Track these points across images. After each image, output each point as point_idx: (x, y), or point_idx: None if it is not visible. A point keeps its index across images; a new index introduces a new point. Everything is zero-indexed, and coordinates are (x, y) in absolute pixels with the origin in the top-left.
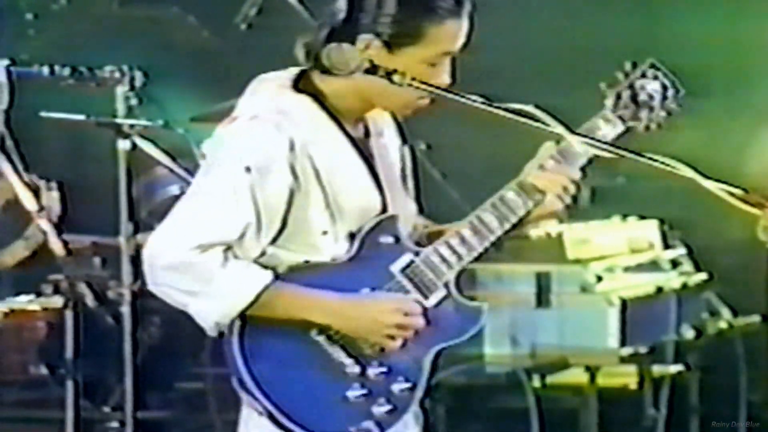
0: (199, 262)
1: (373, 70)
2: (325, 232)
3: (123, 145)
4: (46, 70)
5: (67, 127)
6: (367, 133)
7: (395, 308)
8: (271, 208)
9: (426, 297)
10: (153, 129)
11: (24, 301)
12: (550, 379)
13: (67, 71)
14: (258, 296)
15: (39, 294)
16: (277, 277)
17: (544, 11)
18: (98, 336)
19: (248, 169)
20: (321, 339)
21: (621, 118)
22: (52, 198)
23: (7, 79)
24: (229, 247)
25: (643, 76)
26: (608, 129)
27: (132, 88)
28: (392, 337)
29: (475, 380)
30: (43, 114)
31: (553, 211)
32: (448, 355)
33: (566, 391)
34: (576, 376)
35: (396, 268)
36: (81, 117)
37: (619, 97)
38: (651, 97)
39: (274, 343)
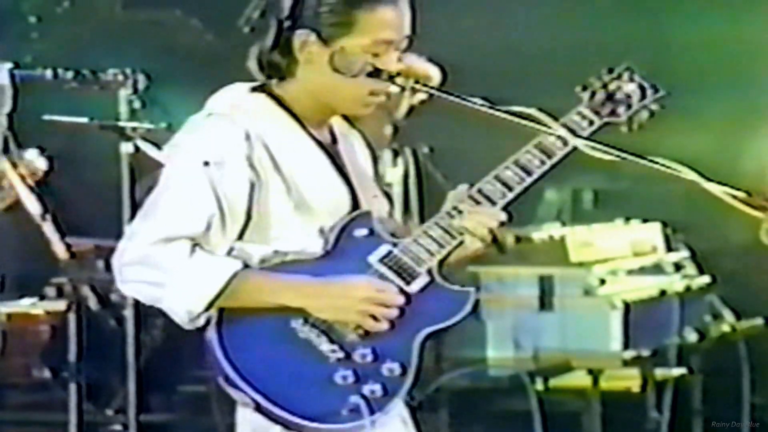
0: (164, 253)
1: (376, 72)
2: (289, 225)
3: (126, 148)
4: (49, 73)
5: (70, 130)
6: (334, 140)
7: (366, 283)
8: (232, 200)
9: (408, 283)
10: (156, 132)
11: (27, 304)
12: (553, 382)
13: (70, 74)
14: (227, 283)
15: (42, 297)
16: (247, 267)
17: (546, 13)
18: (101, 339)
19: (206, 163)
20: (301, 326)
21: (596, 113)
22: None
23: (11, 82)
24: (195, 243)
25: (619, 78)
26: (584, 123)
27: (135, 91)
28: (372, 317)
29: (478, 383)
30: (46, 117)
31: (475, 252)
32: (450, 358)
33: (569, 394)
34: (579, 379)
35: (374, 258)
36: (84, 120)
37: (593, 94)
38: (628, 96)
39: (253, 334)
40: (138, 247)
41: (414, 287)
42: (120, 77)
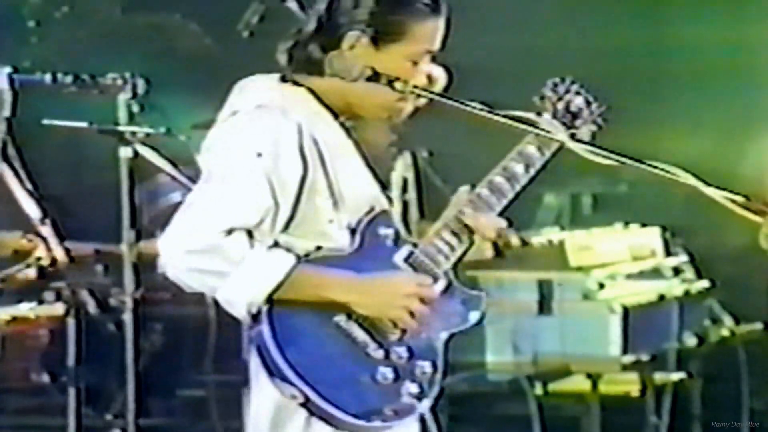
0: (228, 244)
1: (375, 77)
2: (331, 221)
3: (125, 152)
4: (48, 77)
5: (69, 135)
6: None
7: (408, 280)
8: (285, 192)
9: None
10: (155, 136)
11: (26, 309)
12: (552, 387)
13: (69, 79)
14: (287, 276)
15: (41, 301)
16: (299, 260)
17: (546, 17)
18: (100, 343)
19: (260, 155)
20: (345, 322)
21: (564, 123)
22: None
23: (10, 86)
24: (250, 233)
25: (567, 92)
26: (553, 129)
27: (134, 95)
28: (411, 314)
29: (477, 387)
30: (46, 121)
31: (482, 254)
32: (449, 363)
33: (568, 399)
34: (578, 383)
35: (399, 258)
36: (83, 124)
37: (555, 107)
38: (580, 109)
39: (301, 328)
40: (202, 236)
41: (437, 288)
42: (119, 81)
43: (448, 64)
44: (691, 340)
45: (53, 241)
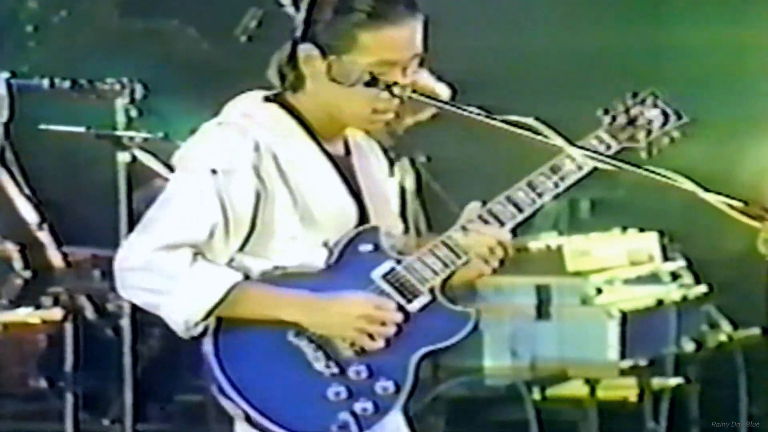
0: (166, 260)
1: (373, 82)
2: (294, 238)
3: (123, 157)
4: (46, 82)
5: (67, 140)
6: (348, 152)
7: (364, 300)
8: (238, 209)
9: (409, 301)
10: (153, 141)
11: (24, 314)
12: (550, 392)
13: (67, 84)
14: (226, 294)
15: (38, 306)
16: (248, 278)
17: (544, 22)
18: (98, 348)
19: (214, 171)
20: (298, 340)
21: (615, 137)
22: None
23: (8, 91)
24: (197, 251)
25: (642, 103)
26: (601, 148)
27: (132, 100)
28: (369, 335)
29: (475, 392)
30: (43, 126)
31: (479, 273)
32: (447, 368)
33: (566, 404)
34: (576, 388)
35: (376, 274)
36: (81, 129)
37: (614, 119)
38: (650, 122)
39: (249, 345)
40: (141, 253)
41: (415, 305)
42: (117, 86)
43: (445, 70)
44: (689, 345)
45: (51, 246)
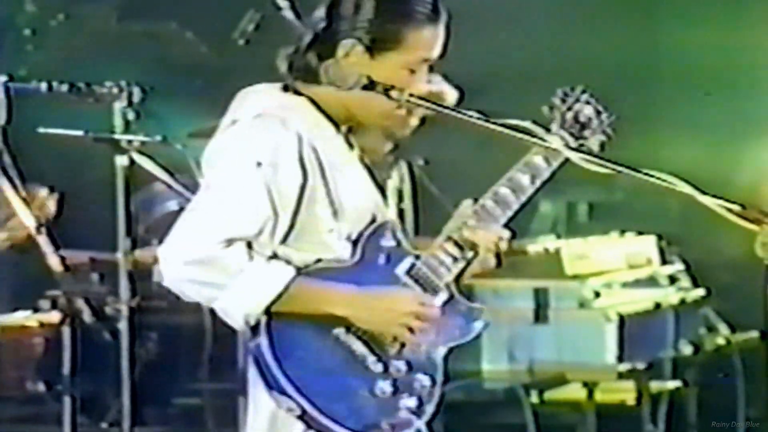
0: (227, 255)
1: (371, 86)
2: (331, 230)
3: (121, 160)
4: (44, 86)
5: (64, 143)
6: (350, 146)
7: (411, 298)
8: (285, 202)
9: (432, 297)
10: (151, 144)
11: (21, 317)
12: (548, 395)
13: (65, 87)
14: (285, 288)
15: (36, 309)
16: (299, 272)
17: (542, 25)
18: (96, 352)
19: (259, 164)
20: (344, 335)
21: (572, 134)
22: (50, 203)
23: (5, 95)
24: (249, 244)
25: (577, 101)
26: (559, 143)
27: (130, 103)
28: (410, 329)
29: (473, 396)
30: (41, 130)
31: (486, 266)
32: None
33: (564, 407)
34: (574, 391)
35: (401, 270)
36: (79, 133)
37: (563, 117)
38: (589, 119)
39: (300, 341)
40: (200, 247)
41: (438, 301)
42: (115, 90)
43: (445, 73)
44: (686, 349)
45: (49, 249)
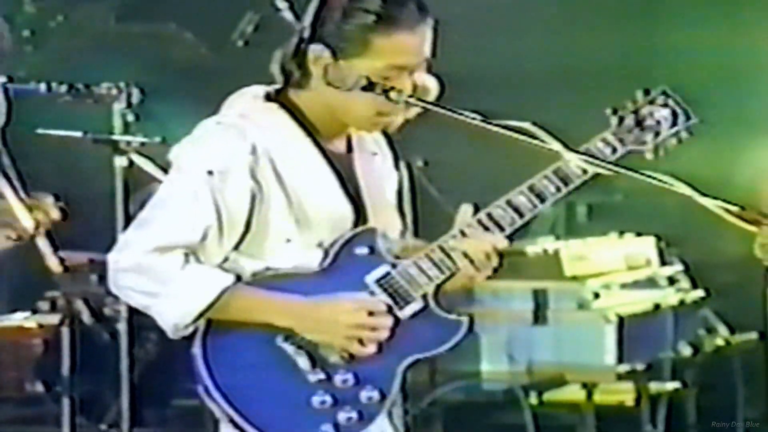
0: (158, 264)
1: (370, 86)
2: (288, 240)
3: (120, 161)
4: (43, 86)
5: (63, 144)
6: (349, 149)
7: (357, 307)
8: (232, 211)
9: (401, 308)
10: (150, 146)
11: (20, 318)
12: (547, 396)
13: (64, 88)
14: (218, 298)
15: (35, 311)
16: (239, 280)
17: (541, 27)
18: (94, 353)
19: (210, 173)
20: (286, 345)
21: (621, 140)
22: (54, 211)
23: (4, 96)
24: (190, 252)
25: (652, 102)
26: (607, 150)
27: (129, 104)
28: (359, 341)
29: (472, 397)
30: (40, 131)
31: (470, 278)
32: (444, 372)
33: (563, 408)
34: (573, 393)
35: (370, 278)
36: (78, 134)
37: (621, 120)
38: (658, 123)
39: (238, 349)
40: (133, 255)
41: (407, 312)
42: (114, 91)
43: (442, 73)
44: (686, 350)
45: (48, 251)
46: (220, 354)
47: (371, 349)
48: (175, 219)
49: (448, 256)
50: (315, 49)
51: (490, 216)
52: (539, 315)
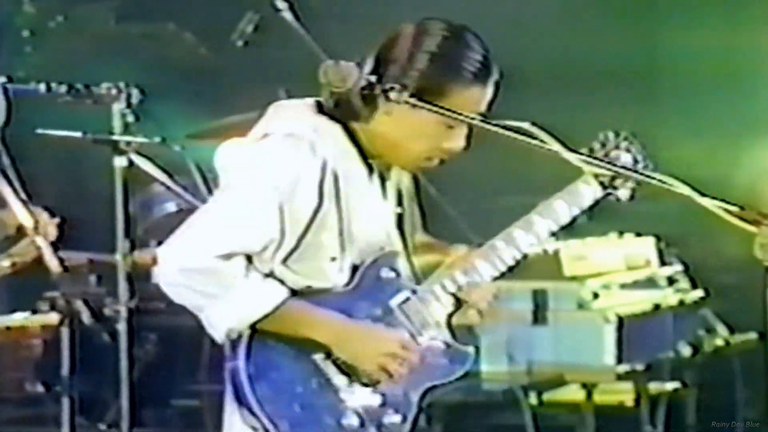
0: (224, 268)
1: (370, 87)
2: (333, 258)
3: (120, 162)
4: (42, 87)
5: (63, 145)
6: (388, 168)
7: (394, 338)
8: (294, 225)
9: (420, 334)
10: (150, 146)
11: (20, 318)
12: (547, 397)
13: (63, 88)
14: (275, 308)
15: (35, 311)
16: (294, 294)
17: (540, 26)
18: (94, 353)
19: (279, 185)
20: (323, 362)
21: (602, 183)
22: (51, 228)
23: (4, 96)
24: (249, 258)
25: (617, 147)
26: (589, 192)
27: (129, 105)
28: (387, 371)
29: (471, 397)
30: (40, 131)
31: (472, 321)
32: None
33: (563, 409)
34: (573, 393)
35: (395, 302)
36: (78, 134)
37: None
38: (624, 167)
39: (277, 362)
40: (200, 256)
41: (424, 339)
42: (113, 91)
43: None
44: (685, 350)
45: (47, 251)
46: (261, 364)
47: (396, 380)
48: (242, 227)
49: (460, 288)
50: (396, 89)
51: (493, 248)
52: (539, 315)
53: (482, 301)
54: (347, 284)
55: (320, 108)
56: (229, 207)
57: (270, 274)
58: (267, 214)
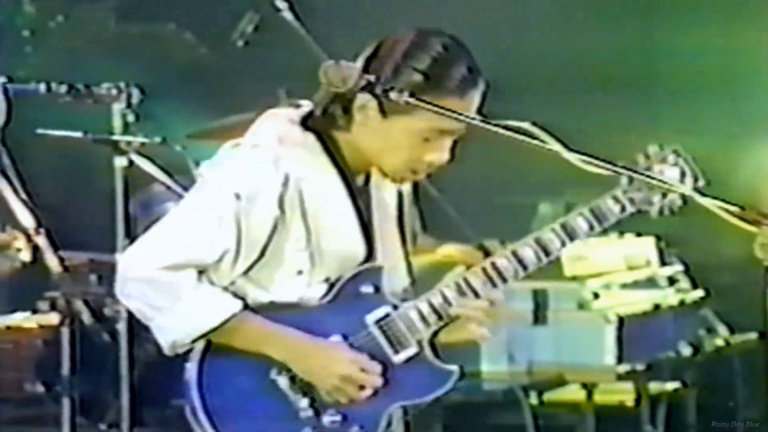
0: (171, 280)
1: (369, 87)
2: (300, 272)
3: (120, 161)
4: (42, 87)
5: (63, 144)
6: (367, 180)
7: (351, 360)
8: (252, 237)
9: (396, 352)
10: (150, 146)
11: (20, 318)
12: (547, 396)
13: (63, 88)
14: (224, 322)
15: (35, 311)
16: (247, 308)
17: (540, 26)
18: (95, 353)
19: (238, 196)
20: (281, 379)
21: (631, 200)
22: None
23: (4, 96)
24: (202, 271)
25: (663, 161)
26: (616, 209)
27: (129, 104)
28: (344, 391)
29: (472, 397)
30: (40, 131)
31: (472, 338)
32: None
33: (563, 408)
34: (573, 393)
35: (371, 319)
36: (78, 134)
37: (631, 180)
38: (635, 172)
39: (233, 376)
40: (147, 266)
41: (401, 357)
42: (114, 91)
43: None
44: (686, 350)
45: (48, 251)
46: (215, 379)
47: (357, 402)
48: (195, 237)
49: (449, 303)
50: (362, 98)
51: (494, 265)
52: (539, 315)
53: (478, 311)
54: (322, 299)
55: (307, 118)
56: (184, 217)
57: (231, 285)
58: (222, 224)
